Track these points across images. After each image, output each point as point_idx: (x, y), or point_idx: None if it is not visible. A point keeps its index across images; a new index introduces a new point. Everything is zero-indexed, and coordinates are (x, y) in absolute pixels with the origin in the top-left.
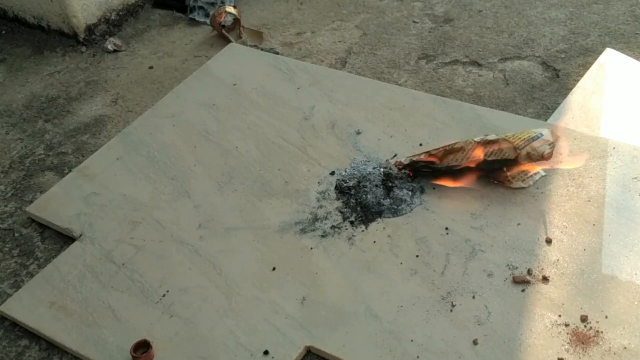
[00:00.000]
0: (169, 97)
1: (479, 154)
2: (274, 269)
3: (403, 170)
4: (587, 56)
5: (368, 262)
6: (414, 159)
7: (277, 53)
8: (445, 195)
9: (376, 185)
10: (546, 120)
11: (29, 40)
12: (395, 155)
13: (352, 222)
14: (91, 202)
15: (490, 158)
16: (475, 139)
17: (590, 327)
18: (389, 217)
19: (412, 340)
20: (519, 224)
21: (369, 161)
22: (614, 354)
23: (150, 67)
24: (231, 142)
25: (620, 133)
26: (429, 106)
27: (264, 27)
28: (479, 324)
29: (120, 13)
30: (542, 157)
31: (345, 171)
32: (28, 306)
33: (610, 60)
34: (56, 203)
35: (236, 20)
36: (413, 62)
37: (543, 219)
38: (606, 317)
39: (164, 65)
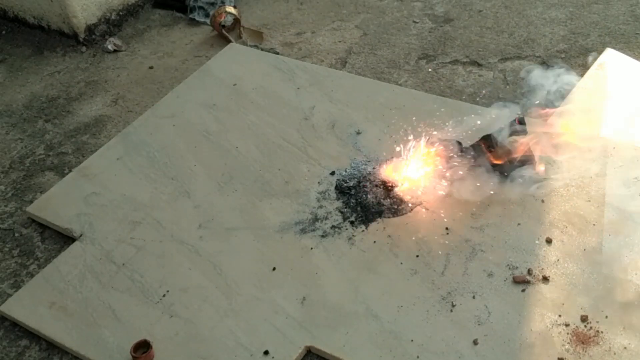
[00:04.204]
0: (169, 97)
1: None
2: (274, 269)
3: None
4: (587, 56)
5: (368, 262)
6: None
7: (277, 53)
8: (445, 195)
9: (376, 185)
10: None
11: (29, 40)
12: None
13: (352, 222)
14: (91, 202)
15: None
16: None
17: (590, 327)
18: (389, 217)
19: (412, 340)
20: (519, 224)
21: (369, 161)
22: (614, 354)
23: (150, 67)
24: (231, 142)
25: (620, 133)
26: (429, 106)
27: (264, 27)
28: (479, 324)
29: (120, 13)
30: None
31: (345, 171)
32: (28, 306)
33: (610, 60)
34: (56, 203)
35: (236, 20)
36: (413, 62)
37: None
38: (606, 317)
39: (164, 65)
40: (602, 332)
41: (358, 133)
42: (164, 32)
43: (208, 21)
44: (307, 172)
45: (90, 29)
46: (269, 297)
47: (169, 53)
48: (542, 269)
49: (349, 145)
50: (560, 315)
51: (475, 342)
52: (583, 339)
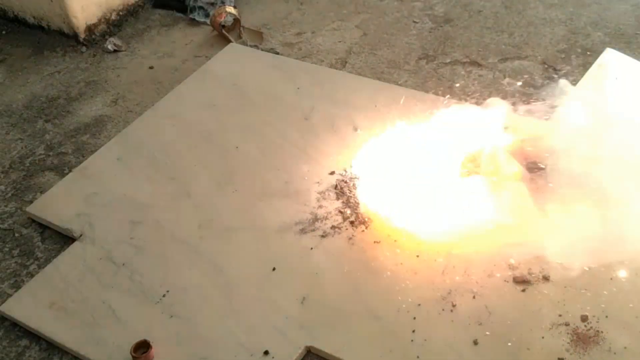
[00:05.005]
0: (169, 97)
1: None
2: (274, 269)
3: None
4: (587, 56)
5: (368, 262)
6: None
7: (277, 53)
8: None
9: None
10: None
11: (29, 41)
12: None
13: (352, 222)
14: (91, 202)
15: None
16: None
17: (591, 327)
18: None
19: (412, 341)
20: (519, 224)
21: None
22: (614, 353)
23: (150, 67)
24: (231, 142)
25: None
26: (428, 106)
27: (264, 27)
28: (479, 324)
29: (120, 13)
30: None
31: (345, 171)
32: (28, 306)
33: (610, 60)
34: (56, 203)
35: (236, 20)
36: (413, 62)
37: None
38: (606, 317)
39: (164, 65)
40: (602, 332)
41: (358, 133)
42: (164, 32)
43: (208, 21)
44: (307, 172)
45: (90, 29)
46: (269, 297)
47: (169, 53)
48: (542, 269)
49: (349, 145)
50: (560, 315)
51: (475, 342)
52: (583, 339)
